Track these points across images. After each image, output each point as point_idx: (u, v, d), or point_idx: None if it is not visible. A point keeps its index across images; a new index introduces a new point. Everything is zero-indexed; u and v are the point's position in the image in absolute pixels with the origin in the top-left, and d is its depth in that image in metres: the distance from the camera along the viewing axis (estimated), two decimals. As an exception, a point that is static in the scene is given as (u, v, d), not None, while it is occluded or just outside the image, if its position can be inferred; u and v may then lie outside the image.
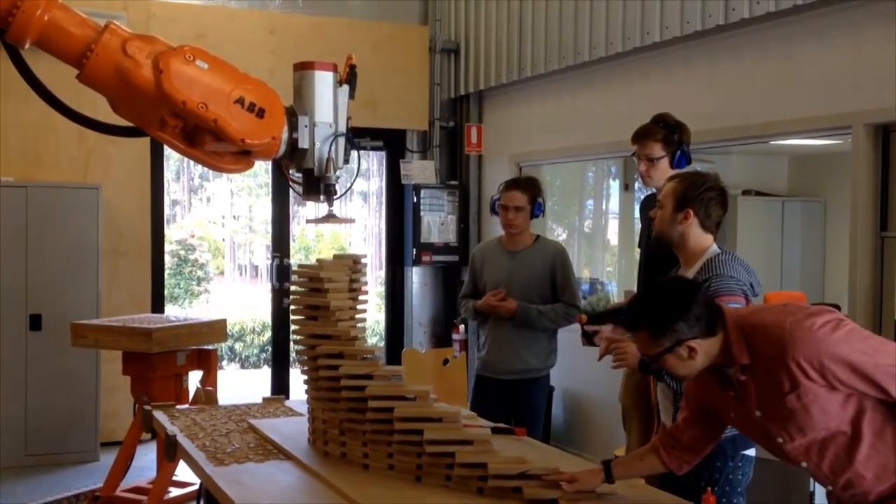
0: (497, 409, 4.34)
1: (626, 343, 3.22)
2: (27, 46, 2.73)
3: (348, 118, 3.03)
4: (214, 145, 2.84)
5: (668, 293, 2.39)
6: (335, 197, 3.01)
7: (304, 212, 9.73)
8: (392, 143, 7.93)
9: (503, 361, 4.62)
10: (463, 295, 4.89)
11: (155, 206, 7.15)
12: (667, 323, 2.31)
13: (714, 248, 3.09)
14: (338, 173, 3.00)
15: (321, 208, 3.07)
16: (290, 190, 3.15)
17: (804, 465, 2.40)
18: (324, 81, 2.95)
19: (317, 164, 2.95)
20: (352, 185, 3.16)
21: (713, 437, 2.62)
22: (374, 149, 8.19)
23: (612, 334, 3.25)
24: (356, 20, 7.61)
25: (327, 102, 2.96)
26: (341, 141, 2.99)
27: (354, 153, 3.08)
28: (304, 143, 2.92)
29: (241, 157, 2.92)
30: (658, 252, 3.52)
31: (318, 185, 2.98)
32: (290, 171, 3.05)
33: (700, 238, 3.08)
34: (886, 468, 2.30)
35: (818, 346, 2.22)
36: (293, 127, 2.91)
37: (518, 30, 6.98)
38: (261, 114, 2.81)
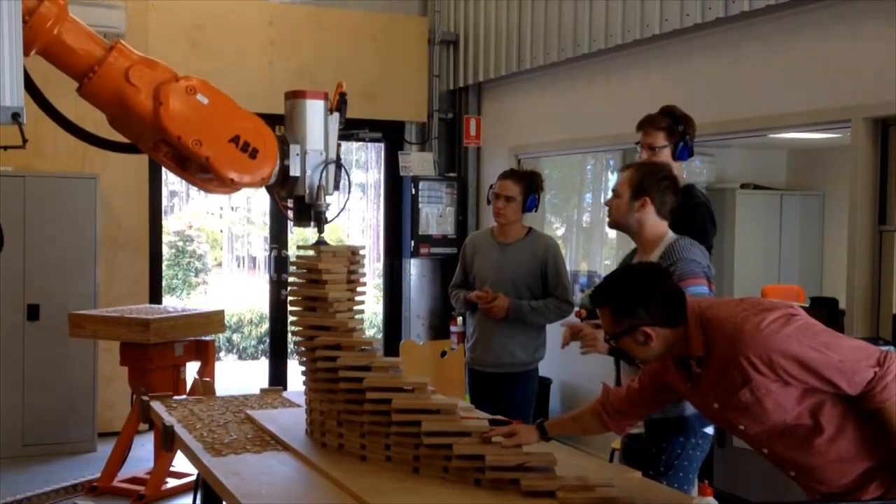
0: (486, 401, 4.32)
1: (596, 329, 3.26)
2: (31, 55, 2.73)
3: (338, 145, 3.09)
4: (204, 174, 2.90)
5: (637, 277, 2.47)
6: (326, 223, 3.08)
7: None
8: (390, 135, 7.90)
9: (491, 355, 4.59)
10: (453, 285, 4.84)
11: (153, 197, 7.14)
12: (627, 306, 2.38)
13: (671, 234, 3.16)
14: (328, 199, 3.06)
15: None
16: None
17: (765, 451, 2.44)
18: (315, 110, 3.01)
19: (308, 192, 3.02)
20: (343, 208, 3.24)
21: (657, 410, 2.75)
22: (372, 140, 8.17)
23: None
24: (355, 11, 7.58)
25: (318, 130, 3.02)
26: (332, 168, 3.04)
27: (344, 181, 3.13)
28: (295, 171, 2.98)
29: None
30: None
31: (309, 212, 3.05)
32: (283, 198, 3.11)
33: (657, 225, 3.14)
34: (847, 461, 2.32)
35: (767, 342, 2.24)
36: (284, 155, 2.97)
37: (517, 22, 6.97)
38: (254, 154, 2.87)
